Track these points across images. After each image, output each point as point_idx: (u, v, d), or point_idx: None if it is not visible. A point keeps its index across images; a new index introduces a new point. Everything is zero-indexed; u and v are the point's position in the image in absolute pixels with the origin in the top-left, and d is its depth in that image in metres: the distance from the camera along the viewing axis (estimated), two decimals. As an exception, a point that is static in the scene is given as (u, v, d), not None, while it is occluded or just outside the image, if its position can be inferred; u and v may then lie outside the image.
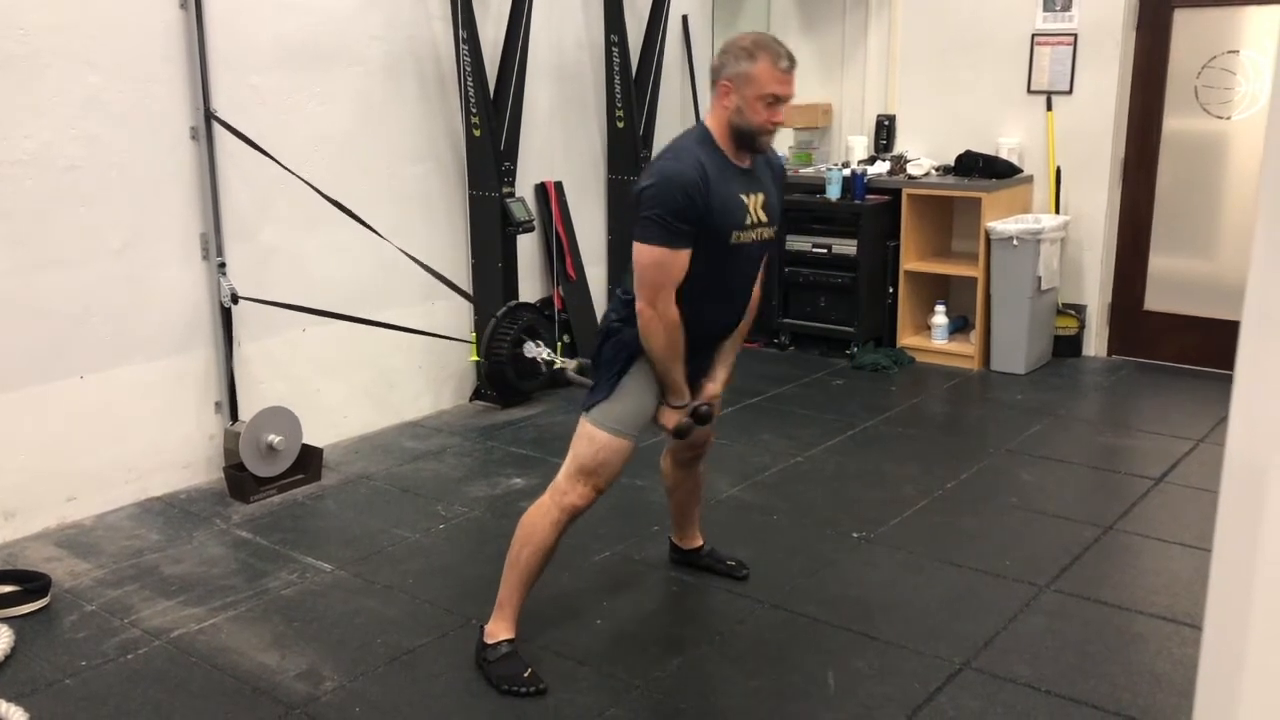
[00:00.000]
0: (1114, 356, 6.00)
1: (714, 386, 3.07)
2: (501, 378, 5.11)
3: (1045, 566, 3.55)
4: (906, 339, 6.07)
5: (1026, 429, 4.93)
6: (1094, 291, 5.95)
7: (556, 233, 5.51)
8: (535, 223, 5.21)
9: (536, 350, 3.79)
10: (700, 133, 2.83)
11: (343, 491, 4.27)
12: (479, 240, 5.12)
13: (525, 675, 2.90)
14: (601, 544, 3.74)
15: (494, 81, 4.96)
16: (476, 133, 4.96)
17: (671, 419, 2.93)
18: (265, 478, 4.18)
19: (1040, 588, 3.42)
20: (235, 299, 4.19)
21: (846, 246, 5.91)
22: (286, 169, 4.15)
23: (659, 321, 2.76)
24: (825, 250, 5.98)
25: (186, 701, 2.85)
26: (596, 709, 2.81)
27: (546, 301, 5.52)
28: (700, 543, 3.57)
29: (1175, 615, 3.26)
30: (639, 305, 2.77)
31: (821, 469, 4.45)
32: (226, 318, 4.23)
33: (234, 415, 4.29)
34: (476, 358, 5.09)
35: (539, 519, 2.92)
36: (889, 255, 5.97)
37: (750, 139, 2.80)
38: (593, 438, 2.87)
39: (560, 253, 5.53)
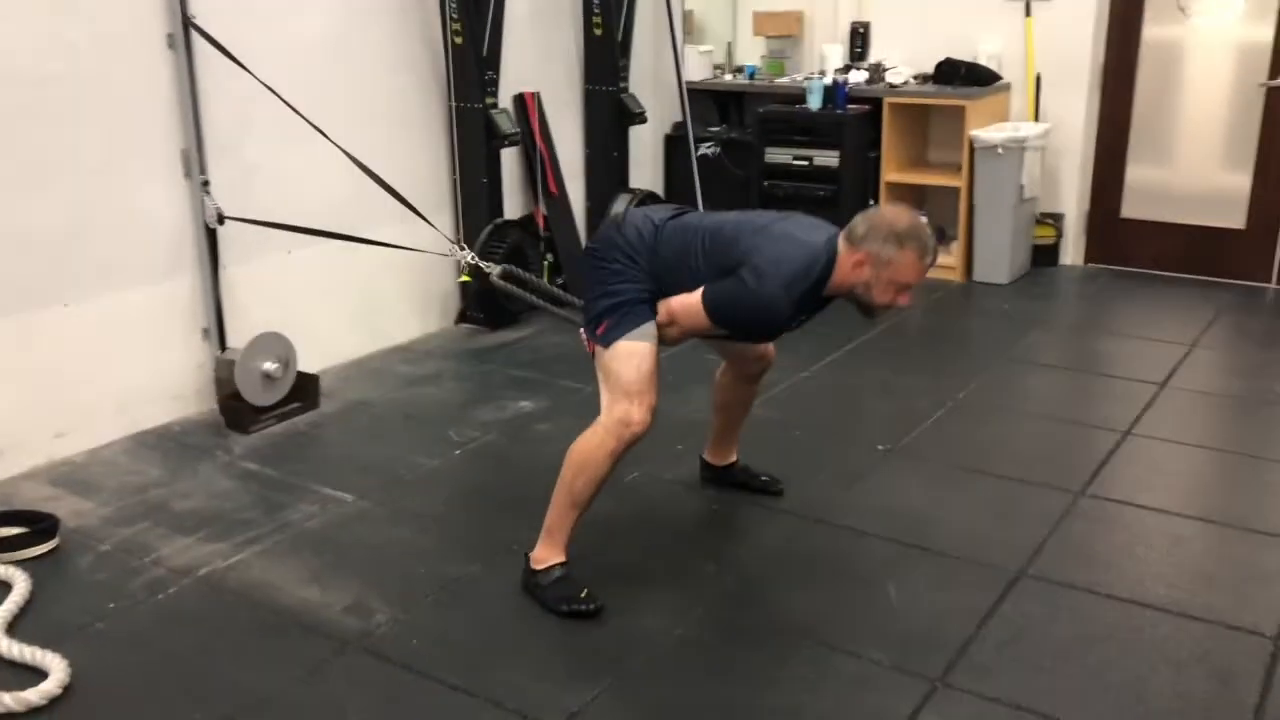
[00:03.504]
0: (1091, 265, 6.05)
1: None
2: (490, 298, 4.95)
3: (1074, 473, 3.56)
4: (886, 251, 6.02)
5: (1021, 338, 4.94)
6: (1071, 200, 5.97)
7: (537, 147, 5.31)
8: (520, 135, 5.00)
9: (460, 254, 3.66)
10: (823, 266, 2.68)
11: (345, 419, 4.10)
12: (462, 155, 4.91)
13: (582, 595, 2.82)
14: (627, 465, 3.61)
15: (473, -15, 4.71)
16: (458, 40, 4.72)
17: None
18: (263, 407, 4.00)
19: (1075, 494, 3.43)
20: (221, 219, 3.95)
21: (828, 158, 5.82)
22: (264, 84, 3.89)
23: (667, 333, 2.83)
24: (807, 162, 5.89)
25: (236, 640, 2.72)
26: (662, 629, 2.75)
27: (528, 219, 5.34)
28: (734, 459, 3.51)
29: (1210, 515, 3.31)
30: (663, 315, 2.80)
31: (829, 383, 4.41)
32: (212, 239, 4.00)
33: (222, 343, 4.08)
34: (467, 278, 4.90)
35: (594, 449, 2.80)
36: (870, 167, 5.90)
37: (867, 312, 2.78)
38: (628, 354, 2.77)
39: (542, 168, 5.34)
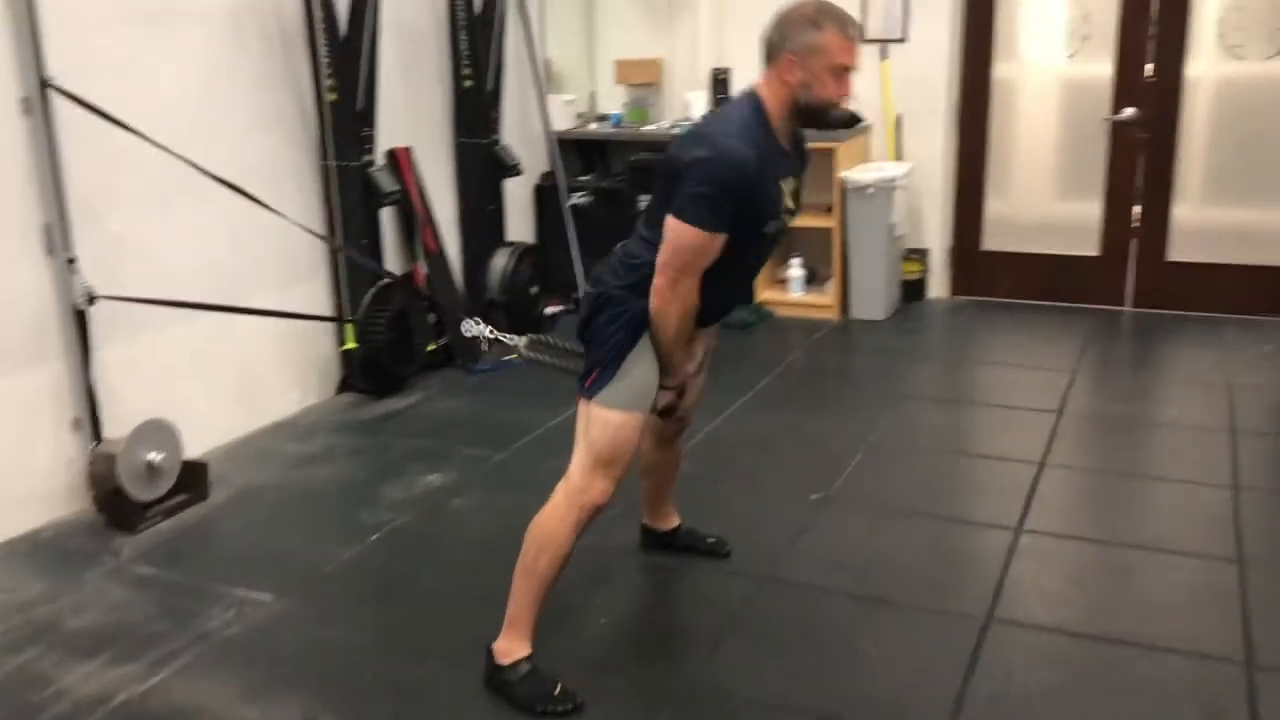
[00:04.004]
0: (956, 297, 6.22)
1: (692, 366, 2.87)
2: (378, 365, 4.69)
3: (1006, 509, 3.59)
4: (761, 294, 6.05)
5: (911, 373, 5.02)
6: (935, 236, 6.13)
7: (412, 203, 5.09)
8: (401, 193, 4.78)
9: (476, 329, 3.40)
10: (754, 108, 2.54)
11: (240, 508, 3.77)
12: (338, 215, 4.64)
13: (556, 693, 2.63)
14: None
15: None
16: (331, 96, 4.48)
17: (663, 398, 2.72)
18: (148, 502, 3.64)
19: (1014, 530, 3.45)
20: (92, 299, 3.59)
21: (703, 203, 5.78)
22: (153, 142, 3.56)
23: (677, 304, 2.51)
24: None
25: (178, 780, 2.41)
26: (644, 717, 2.58)
27: (407, 277, 5.11)
28: (677, 522, 3.38)
29: (1143, 542, 3.38)
30: (659, 283, 2.50)
31: (741, 432, 4.35)
32: (81, 321, 3.62)
33: (97, 434, 3.69)
34: (353, 344, 4.63)
35: (555, 523, 2.64)
36: (744, 210, 5.90)
37: (820, 115, 2.58)
38: (606, 421, 2.61)
39: (418, 224, 5.12)
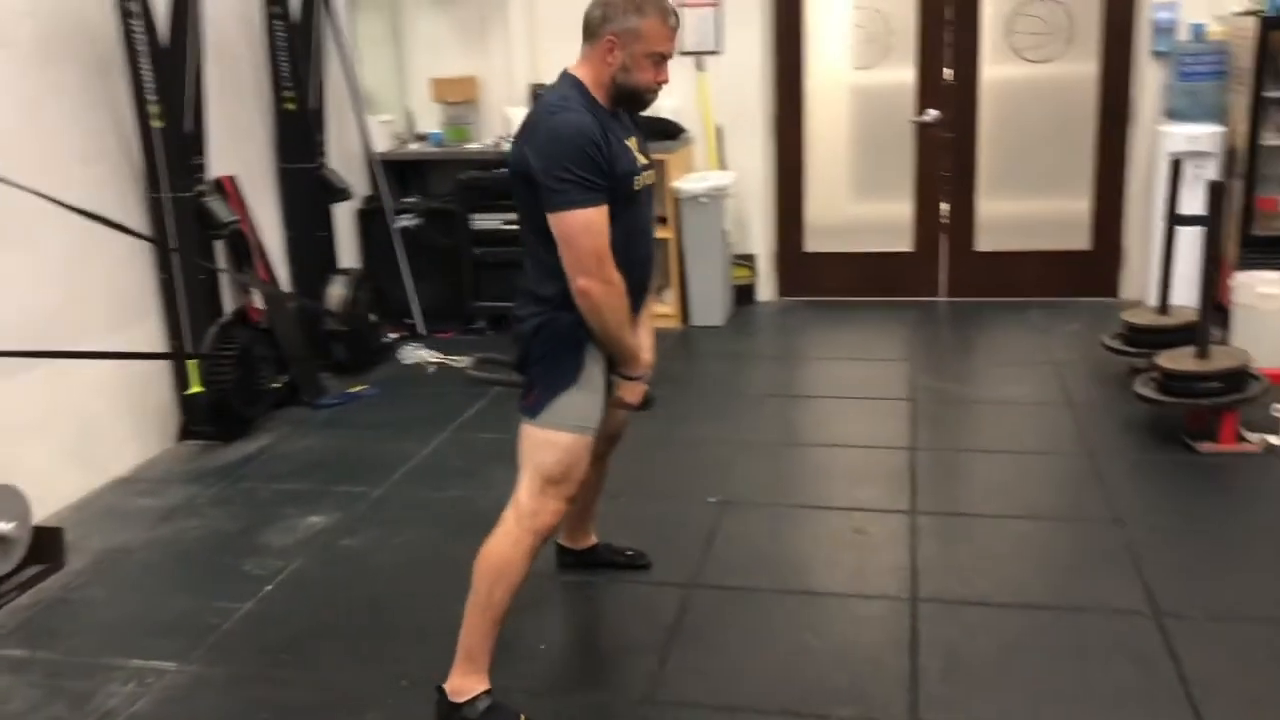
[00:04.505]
0: (785, 298, 6.42)
1: (648, 355, 2.83)
2: (226, 407, 4.40)
3: (896, 494, 3.73)
4: (601, 307, 6.05)
5: (765, 373, 5.15)
6: (760, 241, 6.31)
7: (242, 233, 4.80)
8: (237, 222, 4.50)
9: (417, 354, 3.18)
10: (573, 84, 2.51)
11: (106, 573, 3.45)
12: (165, 252, 4.32)
13: (522, 723, 2.54)
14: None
15: (161, 62, 4.18)
16: (157, 123, 4.17)
17: (636, 391, 2.69)
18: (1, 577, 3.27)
19: (909, 513, 3.59)
20: (-84, 356, 3.20)
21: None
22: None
23: (607, 291, 2.45)
24: (517, 226, 5.74)
25: None
26: (620, 737, 2.53)
27: (240, 312, 4.80)
28: (594, 539, 3.33)
29: (1034, 513, 3.59)
30: (581, 284, 2.43)
31: (622, 443, 4.31)
32: (-95, 382, 3.22)
33: (-72, 507, 3.29)
34: (198, 387, 4.32)
35: (507, 550, 2.55)
36: (578, 225, 5.89)
37: (635, 99, 2.58)
38: (554, 443, 2.54)
39: (249, 256, 4.83)
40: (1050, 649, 2.79)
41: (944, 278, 6.24)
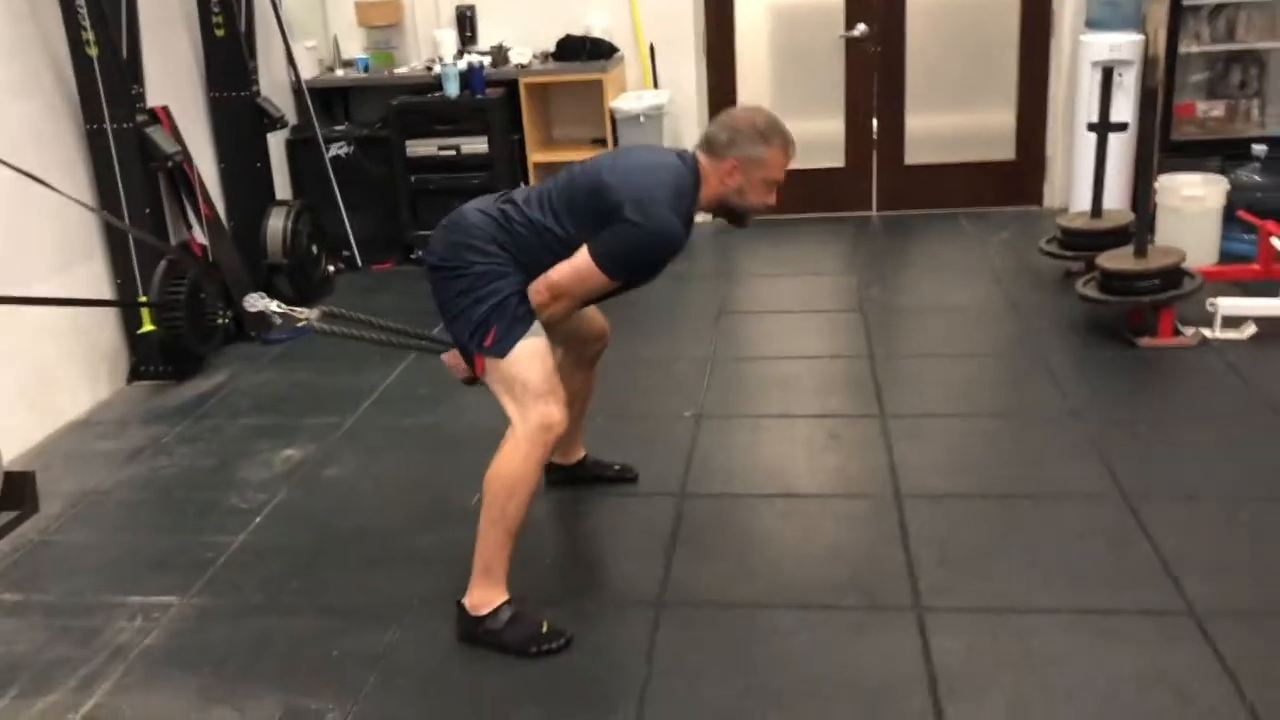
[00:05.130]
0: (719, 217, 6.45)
1: None
2: (178, 346, 4.31)
3: (863, 399, 3.86)
4: (540, 232, 6.04)
5: (715, 292, 5.20)
6: (695, 160, 6.32)
7: (183, 166, 4.65)
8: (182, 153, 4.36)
9: (261, 303, 3.10)
10: (692, 184, 2.63)
11: (86, 515, 3.39)
12: (110, 184, 4.18)
13: (545, 630, 2.61)
14: (463, 488, 3.39)
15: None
16: (91, 50, 4.00)
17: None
18: (-24, 524, 3.18)
19: (879, 417, 3.72)
20: None
21: (477, 145, 5.69)
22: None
23: (553, 313, 2.67)
24: (454, 151, 5.71)
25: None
26: (642, 638, 2.61)
27: (184, 246, 4.68)
28: (583, 454, 3.38)
29: (998, 411, 3.75)
30: (542, 289, 2.62)
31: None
32: None
33: (-108, 456, 3.17)
34: (150, 326, 4.21)
35: (519, 464, 2.58)
36: (515, 149, 5.86)
37: (742, 218, 2.74)
38: (530, 354, 2.59)
39: (190, 190, 4.69)
40: (1032, 534, 2.95)
41: (876, 192, 6.37)
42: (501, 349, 2.58)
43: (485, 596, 2.62)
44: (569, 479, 3.36)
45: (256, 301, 3.00)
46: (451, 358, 2.83)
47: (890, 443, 3.52)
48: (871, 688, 2.39)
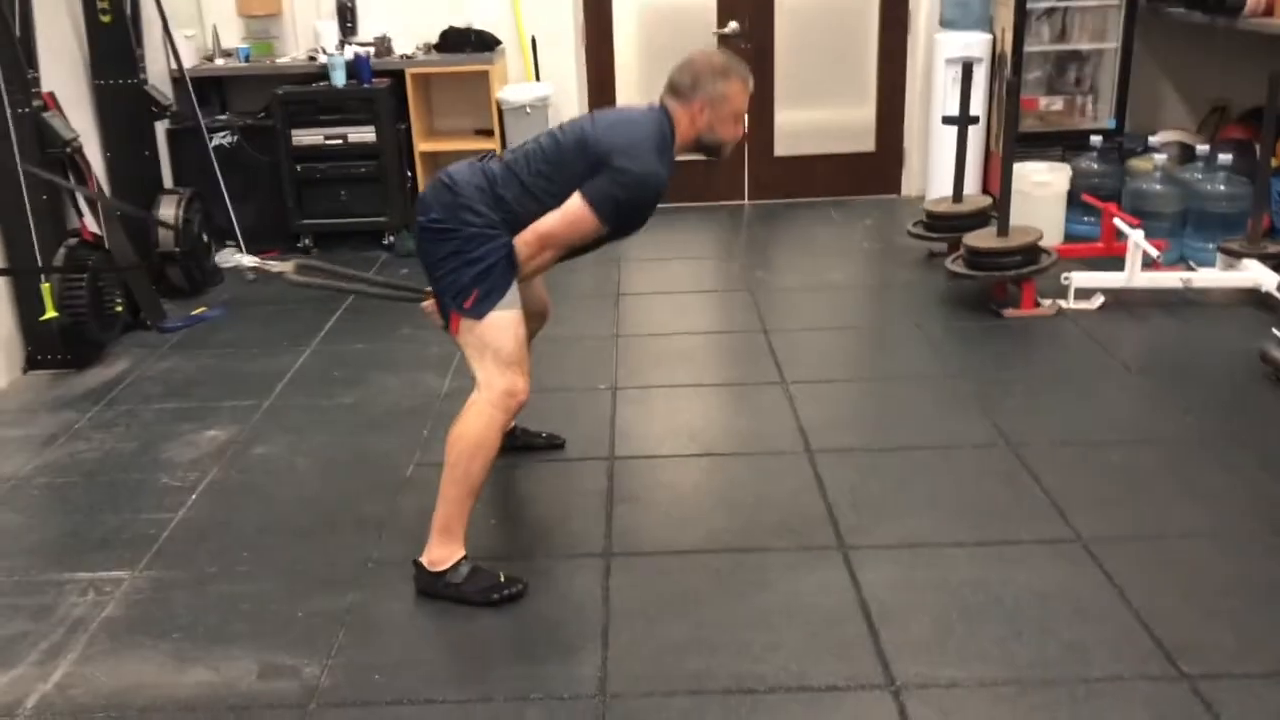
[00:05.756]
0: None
1: None
2: (79, 333, 4.26)
3: (765, 368, 4.13)
4: (427, 221, 6.13)
5: (601, 275, 5.39)
6: (575, 151, 6.51)
7: (69, 153, 4.58)
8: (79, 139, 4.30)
9: (235, 259, 3.15)
10: (668, 130, 2.79)
11: (11, 499, 3.36)
12: (9, 169, 4.10)
13: (503, 579, 2.77)
14: (404, 457, 3.51)
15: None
16: (-15, 35, 3.93)
17: None
18: (-101, 511, 3.14)
19: (781, 384, 4.00)
20: None
21: (364, 134, 5.74)
22: None
23: (540, 263, 2.82)
24: (341, 140, 5.75)
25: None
26: (596, 585, 2.80)
27: (76, 233, 4.60)
28: (513, 424, 3.52)
29: (888, 375, 4.07)
30: (531, 239, 2.74)
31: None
32: None
33: None
34: (53, 313, 4.15)
35: (481, 428, 2.73)
36: (403, 139, 5.93)
37: (717, 152, 2.90)
38: (505, 323, 2.74)
39: (81, 177, 4.62)
40: (933, 480, 3.27)
41: (748, 182, 6.69)
42: (480, 311, 2.71)
43: (444, 553, 2.76)
44: (502, 449, 3.49)
45: (230, 257, 3.07)
46: (431, 306, 2.95)
47: (795, 407, 3.79)
48: (813, 617, 2.64)
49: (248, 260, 3.12)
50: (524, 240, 2.74)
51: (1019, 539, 2.93)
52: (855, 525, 3.03)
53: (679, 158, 2.84)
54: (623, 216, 2.75)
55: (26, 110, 4.05)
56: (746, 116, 2.90)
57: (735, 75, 2.82)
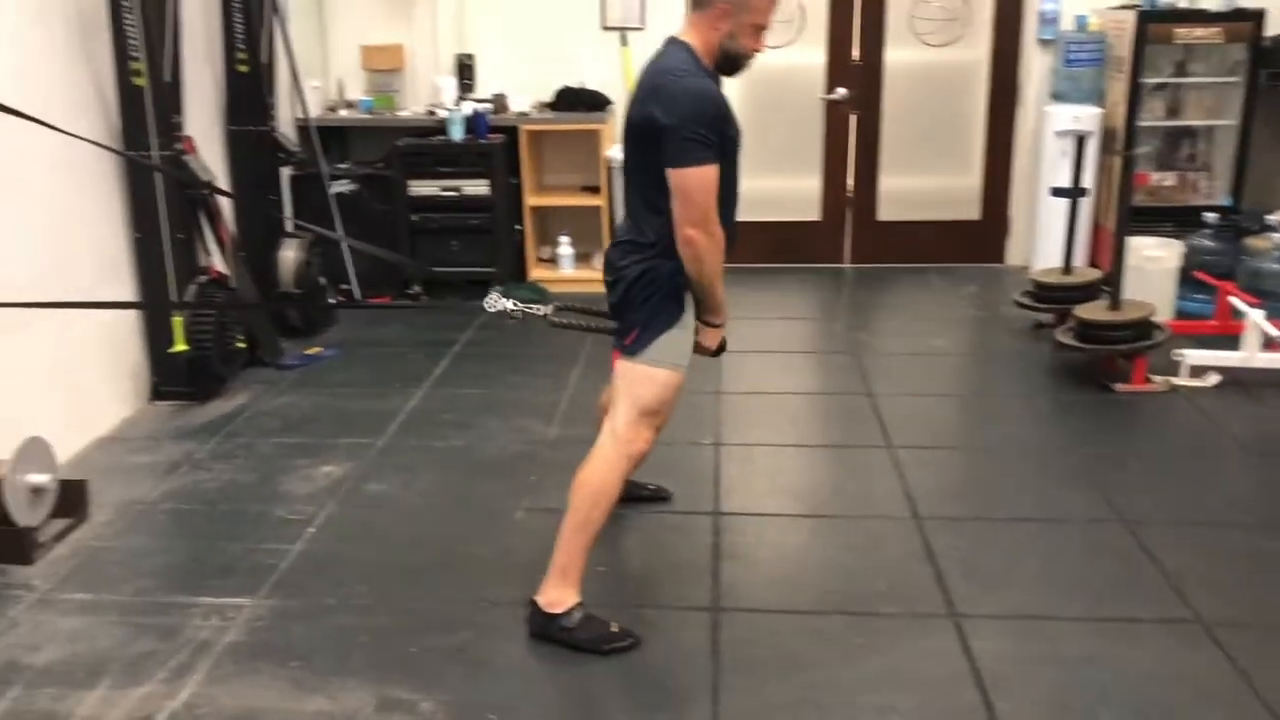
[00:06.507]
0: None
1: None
2: (204, 367, 4.42)
3: (869, 431, 4.12)
4: (533, 274, 6.27)
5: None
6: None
7: (204, 194, 4.78)
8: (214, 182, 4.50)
9: (501, 303, 3.27)
10: (689, 51, 2.73)
11: (137, 523, 3.48)
12: (149, 209, 4.30)
13: (616, 630, 2.80)
14: (509, 499, 3.58)
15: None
16: (138, 81, 4.14)
17: (715, 337, 2.94)
18: (36, 529, 3.27)
19: (886, 448, 3.98)
20: (-53, 307, 3.17)
21: (478, 187, 5.90)
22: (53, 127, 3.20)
23: (711, 243, 2.67)
24: (455, 193, 5.91)
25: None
26: (704, 640, 2.81)
27: (203, 271, 4.79)
28: (625, 475, 3.57)
29: (990, 446, 4.04)
30: (689, 233, 2.63)
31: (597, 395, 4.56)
32: (-65, 334, 3.19)
33: (-46, 461, 3.26)
34: (182, 346, 4.32)
35: (605, 474, 2.78)
36: (513, 193, 6.08)
37: (737, 64, 2.81)
38: (653, 378, 2.77)
39: (211, 217, 4.82)
40: (1045, 553, 3.23)
41: (849, 245, 6.71)
42: (634, 350, 2.76)
43: (560, 595, 2.79)
44: (607, 498, 3.55)
45: (496, 301, 3.21)
46: (706, 336, 2.93)
47: (902, 472, 3.78)
48: (924, 683, 2.62)
49: (510, 304, 3.28)
50: (681, 241, 2.64)
51: (1136, 617, 2.88)
52: (966, 594, 3.00)
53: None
54: (709, 143, 2.59)
55: (170, 153, 4.23)
56: (769, 36, 2.79)
57: None
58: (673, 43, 2.76)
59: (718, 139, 2.62)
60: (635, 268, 2.76)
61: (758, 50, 2.80)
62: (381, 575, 3.15)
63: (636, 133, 2.70)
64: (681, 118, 2.56)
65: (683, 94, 2.59)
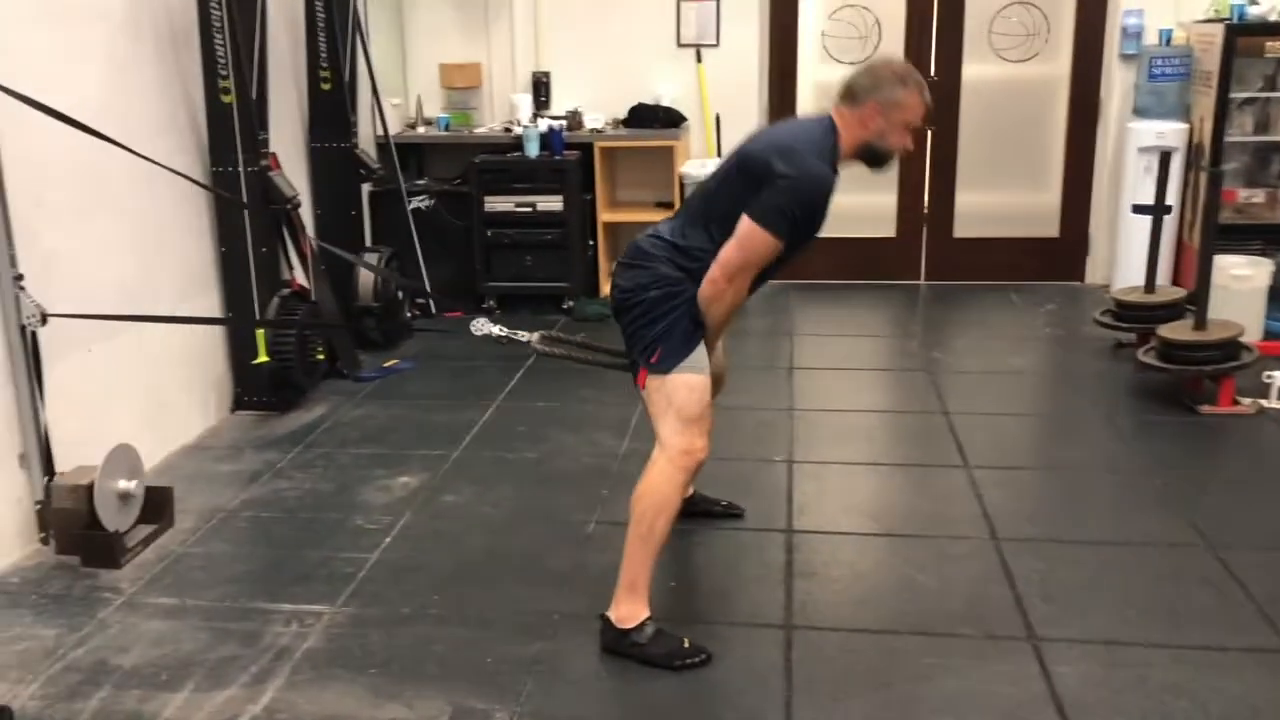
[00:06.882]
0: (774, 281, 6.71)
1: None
2: (285, 378, 4.51)
3: (946, 450, 4.07)
4: (606, 288, 6.30)
5: (784, 348, 5.43)
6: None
7: (287, 210, 4.89)
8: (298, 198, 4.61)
9: (487, 328, 3.35)
10: (832, 134, 2.79)
11: (222, 530, 3.56)
12: (236, 224, 4.42)
13: (687, 646, 2.79)
14: (579, 514, 3.59)
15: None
16: (226, 98, 4.26)
17: None
18: (123, 534, 3.37)
19: (964, 467, 3.93)
20: (44, 319, 3.28)
21: (552, 203, 5.95)
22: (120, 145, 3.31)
23: (732, 295, 2.78)
24: (530, 209, 5.97)
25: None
26: (777, 657, 2.79)
27: (285, 284, 4.89)
28: (693, 489, 3.56)
29: (1069, 465, 3.96)
30: (717, 276, 2.72)
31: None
32: (33, 345, 3.29)
33: (48, 469, 3.37)
34: (265, 357, 4.42)
35: (663, 486, 2.78)
36: (587, 209, 6.13)
37: (882, 161, 2.88)
38: (690, 385, 2.78)
39: (294, 232, 4.93)
40: (1127, 577, 3.16)
41: (925, 262, 6.64)
42: (665, 367, 2.78)
43: (630, 610, 2.80)
44: (681, 513, 3.54)
45: (481, 326, 3.28)
46: None
47: (979, 492, 3.72)
48: (1002, 707, 2.57)
49: (496, 330, 3.33)
50: (709, 279, 2.73)
51: (1224, 646, 2.80)
52: (1045, 617, 2.94)
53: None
54: (795, 222, 2.68)
55: (256, 169, 4.34)
56: (913, 137, 2.83)
57: (914, 84, 2.79)
58: (830, 125, 2.80)
59: (801, 224, 2.70)
60: (658, 290, 2.79)
61: (907, 148, 2.86)
62: (456, 585, 3.18)
63: (746, 166, 2.75)
64: (790, 188, 2.65)
65: (806, 173, 2.67)
